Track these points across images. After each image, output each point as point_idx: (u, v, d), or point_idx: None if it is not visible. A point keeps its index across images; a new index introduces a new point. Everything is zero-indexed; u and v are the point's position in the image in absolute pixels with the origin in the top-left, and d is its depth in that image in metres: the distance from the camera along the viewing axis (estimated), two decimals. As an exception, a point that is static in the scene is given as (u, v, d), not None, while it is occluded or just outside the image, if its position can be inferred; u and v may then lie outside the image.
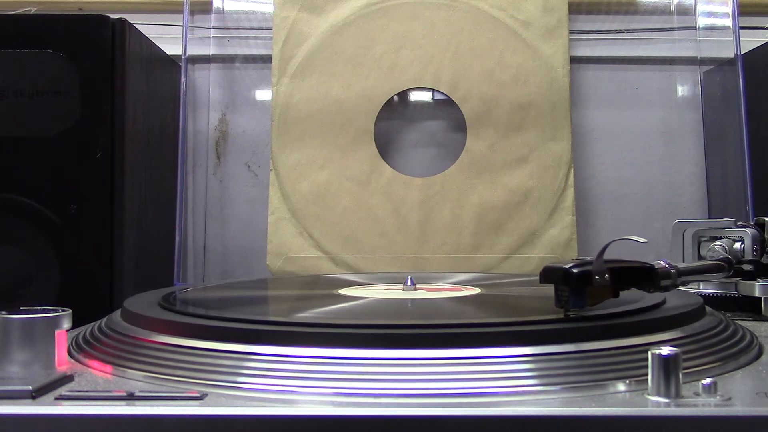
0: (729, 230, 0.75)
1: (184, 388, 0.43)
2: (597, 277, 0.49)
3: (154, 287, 0.76)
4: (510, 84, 1.04)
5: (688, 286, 0.73)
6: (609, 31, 1.13)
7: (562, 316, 0.50)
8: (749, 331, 0.56)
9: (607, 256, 0.51)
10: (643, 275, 0.53)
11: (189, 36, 1.09)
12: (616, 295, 0.52)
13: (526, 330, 0.46)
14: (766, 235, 0.73)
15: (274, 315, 0.61)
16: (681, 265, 0.56)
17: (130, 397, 0.40)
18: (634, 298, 0.56)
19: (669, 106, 1.14)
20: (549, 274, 0.50)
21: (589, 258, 0.51)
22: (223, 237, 1.12)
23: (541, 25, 1.05)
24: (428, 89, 1.09)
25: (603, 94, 1.14)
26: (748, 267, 0.71)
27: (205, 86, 1.14)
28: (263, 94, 1.13)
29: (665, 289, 0.54)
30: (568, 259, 0.55)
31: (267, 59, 1.10)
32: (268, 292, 0.77)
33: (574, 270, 0.49)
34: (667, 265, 0.55)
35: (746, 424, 0.38)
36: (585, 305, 0.50)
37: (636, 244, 0.54)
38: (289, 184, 1.04)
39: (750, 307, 0.70)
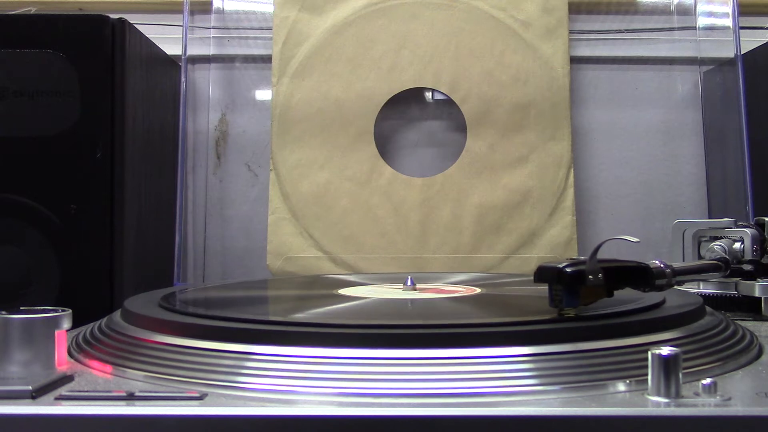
0: (729, 230, 0.75)
1: (184, 388, 0.43)
2: (590, 277, 0.49)
3: (154, 287, 0.76)
4: (510, 84, 1.04)
5: (689, 287, 0.73)
6: (609, 31, 1.13)
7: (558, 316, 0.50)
8: (749, 331, 0.56)
9: (605, 255, 0.51)
10: (638, 275, 0.53)
11: (189, 36, 1.09)
12: (611, 295, 0.52)
13: (525, 330, 0.46)
14: (766, 235, 0.73)
15: (274, 315, 0.61)
16: (676, 264, 0.56)
17: (130, 397, 0.40)
18: (633, 298, 0.56)
19: (669, 106, 1.14)
20: (543, 274, 0.50)
21: (583, 257, 0.51)
22: (223, 237, 1.12)
23: (541, 25, 1.05)
24: (428, 89, 1.09)
25: (603, 94, 1.14)
26: (748, 267, 0.71)
27: (205, 86, 1.14)
28: (263, 94, 1.13)
29: (660, 288, 0.54)
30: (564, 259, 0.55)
31: (267, 59, 1.10)
32: (268, 292, 0.77)
33: (568, 269, 0.49)
34: (662, 265, 0.55)
35: (746, 424, 0.38)
36: (579, 305, 0.50)
37: (635, 244, 0.54)
38: (289, 184, 1.04)
39: (750, 307, 0.70)
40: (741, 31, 1.07)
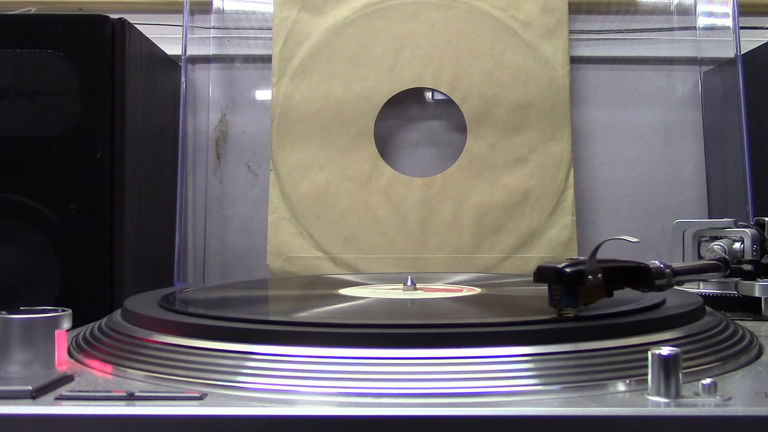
0: (729, 230, 0.75)
1: (184, 388, 0.43)
2: (590, 277, 0.49)
3: (154, 287, 0.76)
4: (510, 84, 1.04)
5: (689, 287, 0.73)
6: (609, 31, 1.13)
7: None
8: (749, 331, 0.56)
9: (605, 256, 0.51)
10: (637, 275, 0.53)
11: (189, 36, 1.09)
12: (610, 295, 0.52)
13: (526, 330, 0.46)
14: (766, 235, 0.73)
15: (274, 315, 0.61)
16: (676, 264, 0.56)
17: (130, 397, 0.40)
18: (634, 298, 0.56)
19: (669, 106, 1.14)
20: (542, 274, 0.50)
21: (582, 258, 0.51)
22: (223, 237, 1.12)
23: (541, 25, 1.05)
24: (428, 89, 1.09)
25: (603, 94, 1.14)
26: (748, 267, 0.71)
27: (205, 86, 1.14)
28: (263, 94, 1.13)
29: (660, 288, 0.54)
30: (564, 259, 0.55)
31: (267, 59, 1.10)
32: (268, 292, 0.77)
33: (567, 269, 0.49)
34: (661, 265, 0.54)
35: (746, 424, 0.38)
36: (578, 305, 0.50)
37: (635, 245, 0.54)
38: (289, 184, 1.04)
39: (750, 307, 0.70)
40: (741, 31, 1.07)
